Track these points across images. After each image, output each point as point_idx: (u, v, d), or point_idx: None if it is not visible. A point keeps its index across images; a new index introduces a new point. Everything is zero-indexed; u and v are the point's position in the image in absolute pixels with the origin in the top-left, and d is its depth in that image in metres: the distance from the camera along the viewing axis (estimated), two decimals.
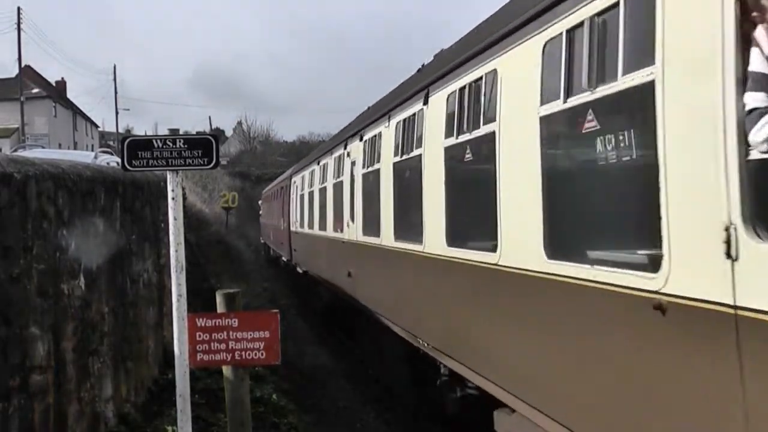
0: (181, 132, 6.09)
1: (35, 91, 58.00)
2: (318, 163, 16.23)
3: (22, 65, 52.87)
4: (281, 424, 8.54)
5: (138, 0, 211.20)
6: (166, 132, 5.76)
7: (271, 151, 68.09)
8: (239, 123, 76.15)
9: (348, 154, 12.04)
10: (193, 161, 5.57)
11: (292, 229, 21.12)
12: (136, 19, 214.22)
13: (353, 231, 11.32)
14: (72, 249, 6.03)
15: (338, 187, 13.01)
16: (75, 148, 53.24)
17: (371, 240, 9.94)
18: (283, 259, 24.69)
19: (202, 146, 5.59)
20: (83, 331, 6.24)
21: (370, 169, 10.29)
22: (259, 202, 39.90)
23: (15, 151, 24.37)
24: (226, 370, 5.68)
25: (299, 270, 19.93)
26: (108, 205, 7.23)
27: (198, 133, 10.23)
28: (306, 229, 17.92)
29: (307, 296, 20.29)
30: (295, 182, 21.16)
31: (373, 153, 10.11)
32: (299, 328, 17.43)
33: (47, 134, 55.63)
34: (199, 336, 5.51)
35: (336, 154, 13.55)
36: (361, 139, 10.92)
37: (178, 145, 5.54)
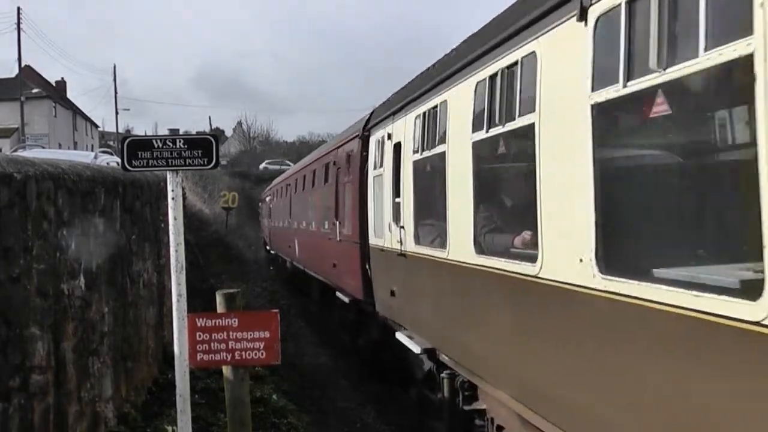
0: (181, 132, 6.09)
1: (35, 91, 57.99)
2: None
3: (22, 65, 52.93)
4: (281, 424, 8.54)
5: (139, 0, 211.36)
6: (166, 132, 5.77)
7: (271, 151, 68.16)
8: (239, 123, 76.37)
9: None
10: (193, 161, 5.57)
11: (374, 243, 10.12)
12: (137, 19, 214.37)
13: None
14: (72, 249, 6.02)
15: None
16: (75, 148, 53.29)
17: None
18: (341, 297, 12.98)
19: (202, 146, 5.59)
20: (83, 331, 6.24)
21: None
22: (266, 198, 31.00)
23: (15, 151, 24.41)
24: (226, 370, 5.68)
25: (409, 344, 8.31)
26: (108, 205, 7.23)
27: (198, 133, 10.23)
28: (450, 253, 6.81)
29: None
30: (386, 137, 9.54)
31: None
32: (299, 328, 17.43)
33: (47, 134, 55.64)
34: (199, 336, 5.51)
35: None
36: None
37: (178, 146, 5.54)
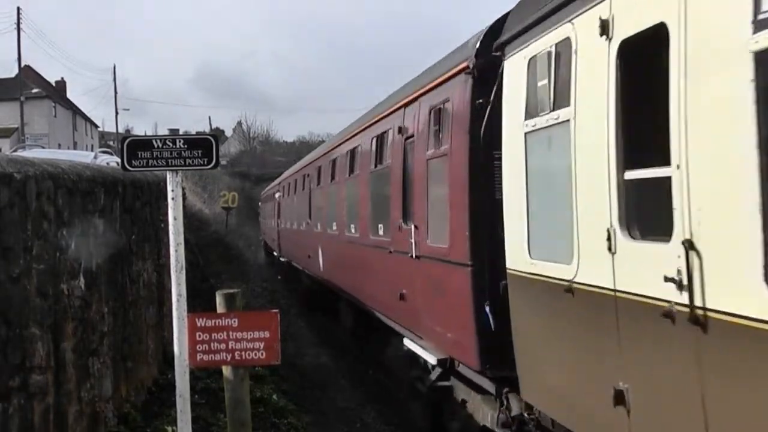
0: (181, 132, 6.10)
1: (35, 91, 57.98)
2: None
3: (22, 65, 52.91)
4: (281, 424, 8.55)
5: (139, 0, 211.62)
6: (166, 132, 5.77)
7: (271, 151, 68.16)
8: (239, 123, 76.25)
9: None
10: (192, 161, 5.58)
11: (529, 270, 5.33)
12: (137, 19, 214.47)
13: None
14: (72, 249, 6.03)
15: None
16: (75, 148, 53.23)
17: None
18: (421, 353, 7.73)
19: (202, 146, 5.60)
20: (83, 331, 6.24)
21: None
22: (275, 195, 26.28)
23: (15, 151, 24.39)
24: (226, 370, 5.68)
25: None
26: (108, 205, 7.23)
27: (198, 133, 10.19)
28: None
29: None
30: (582, 36, 4.44)
31: None
32: (299, 328, 17.44)
33: (47, 134, 55.60)
34: (199, 336, 5.52)
35: None
36: None
37: (177, 145, 5.55)
